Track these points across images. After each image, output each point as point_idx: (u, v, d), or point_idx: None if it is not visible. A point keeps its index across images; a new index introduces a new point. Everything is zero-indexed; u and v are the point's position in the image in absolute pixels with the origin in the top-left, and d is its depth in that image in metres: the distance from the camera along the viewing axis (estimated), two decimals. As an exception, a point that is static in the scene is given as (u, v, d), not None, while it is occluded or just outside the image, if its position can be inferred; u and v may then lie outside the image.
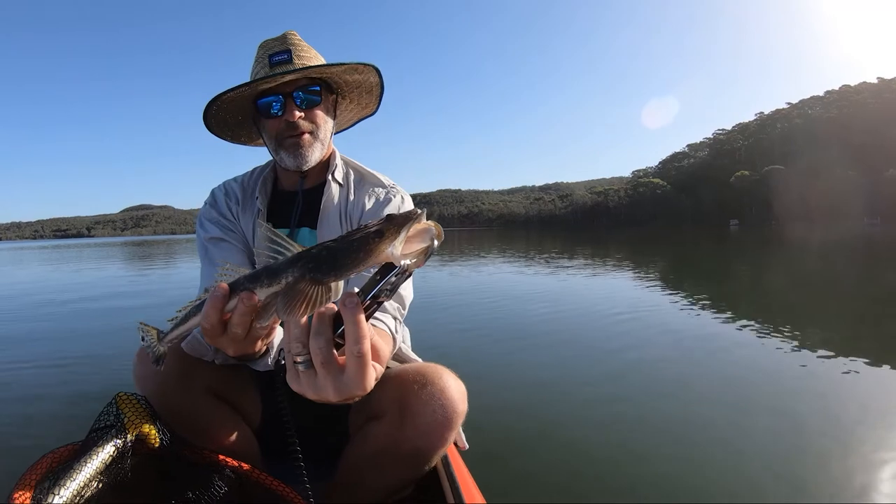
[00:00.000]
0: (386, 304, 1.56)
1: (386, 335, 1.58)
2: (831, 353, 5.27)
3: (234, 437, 1.71)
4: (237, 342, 1.02)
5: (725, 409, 4.12)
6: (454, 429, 1.59)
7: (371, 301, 0.77)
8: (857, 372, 4.79)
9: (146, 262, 28.28)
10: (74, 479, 1.13)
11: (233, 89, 1.70)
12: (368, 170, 1.98)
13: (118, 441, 1.24)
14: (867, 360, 5.07)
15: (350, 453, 1.70)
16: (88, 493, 1.20)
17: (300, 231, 1.88)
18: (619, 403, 4.28)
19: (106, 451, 1.21)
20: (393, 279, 0.76)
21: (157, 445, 1.31)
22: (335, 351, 0.80)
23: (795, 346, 5.86)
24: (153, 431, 1.31)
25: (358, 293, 0.76)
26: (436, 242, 0.76)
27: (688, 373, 5.10)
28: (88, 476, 1.16)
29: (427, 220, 0.76)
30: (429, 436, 1.56)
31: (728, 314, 8.00)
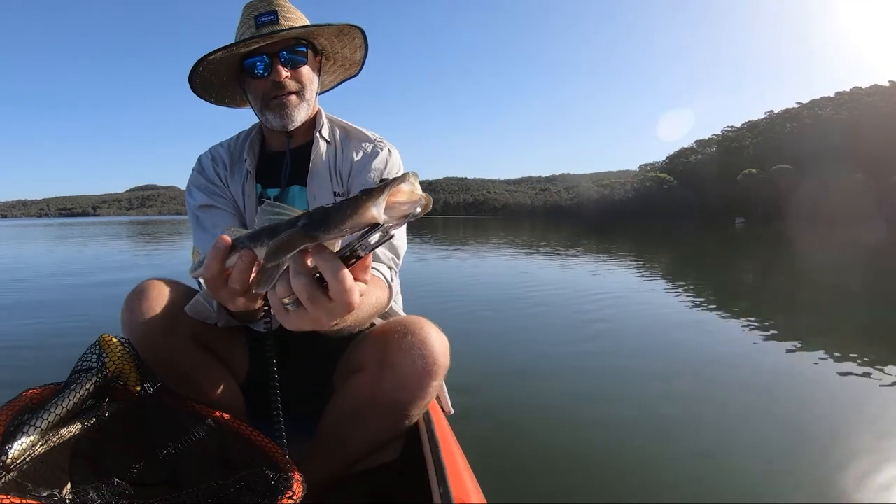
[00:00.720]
0: (381, 254, 1.69)
1: (381, 282, 1.60)
2: (850, 359, 5.30)
3: (219, 389, 1.75)
4: (236, 296, 1.03)
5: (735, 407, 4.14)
6: (434, 379, 1.60)
7: (350, 253, 0.81)
8: (861, 374, 4.84)
9: (151, 240, 28.63)
10: (49, 416, 1.15)
11: (219, 50, 1.69)
12: (354, 125, 2.00)
13: (97, 380, 1.23)
14: (870, 362, 5.14)
15: (331, 408, 1.72)
16: (65, 434, 1.20)
17: (290, 189, 1.90)
18: (613, 392, 4.33)
19: (84, 391, 1.22)
20: (374, 237, 0.79)
21: (137, 390, 1.31)
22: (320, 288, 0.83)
23: (801, 348, 5.88)
24: (134, 375, 1.31)
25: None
26: (418, 209, 0.78)
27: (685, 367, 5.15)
28: (64, 414, 1.17)
29: (415, 184, 0.77)
30: (408, 387, 1.58)
31: (727, 311, 8.20)
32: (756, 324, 6.91)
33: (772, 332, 6.59)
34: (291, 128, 1.82)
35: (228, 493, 1.23)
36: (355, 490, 1.90)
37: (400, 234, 1.82)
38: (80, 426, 1.24)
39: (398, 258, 1.79)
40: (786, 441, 3.48)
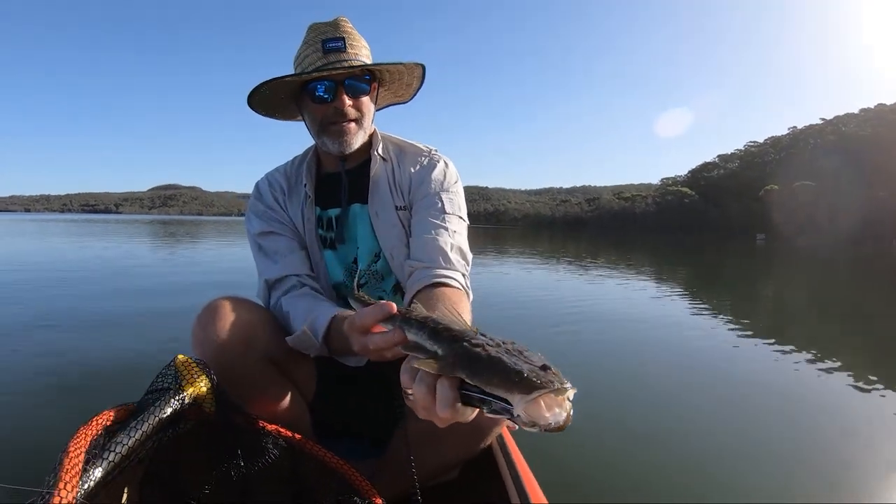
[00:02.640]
0: (455, 261, 1.77)
1: (460, 293, 1.67)
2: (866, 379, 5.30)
3: (289, 408, 1.76)
4: (364, 353, 1.16)
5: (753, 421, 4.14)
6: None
7: (467, 394, 0.81)
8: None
9: (190, 241, 28.79)
10: (128, 439, 1.16)
11: (292, 76, 1.77)
12: (406, 140, 2.07)
13: (174, 403, 1.23)
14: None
15: (405, 428, 1.71)
16: (141, 454, 1.19)
17: (351, 208, 1.96)
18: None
19: (160, 413, 1.21)
20: (494, 408, 0.78)
21: (212, 410, 1.30)
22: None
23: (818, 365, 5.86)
24: (209, 396, 1.30)
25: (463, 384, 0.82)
26: (552, 424, 0.74)
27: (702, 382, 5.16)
28: (142, 436, 1.16)
29: (566, 407, 0.75)
30: None
31: (748, 330, 8.03)
32: (802, 351, 6.89)
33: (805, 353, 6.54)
34: (348, 152, 1.87)
35: None
36: None
37: (465, 241, 1.89)
38: (152, 446, 1.23)
39: (468, 264, 1.84)
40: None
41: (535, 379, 0.73)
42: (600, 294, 11.78)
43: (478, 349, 0.80)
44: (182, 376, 1.29)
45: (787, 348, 6.64)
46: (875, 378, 5.45)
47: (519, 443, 1.89)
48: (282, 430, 1.42)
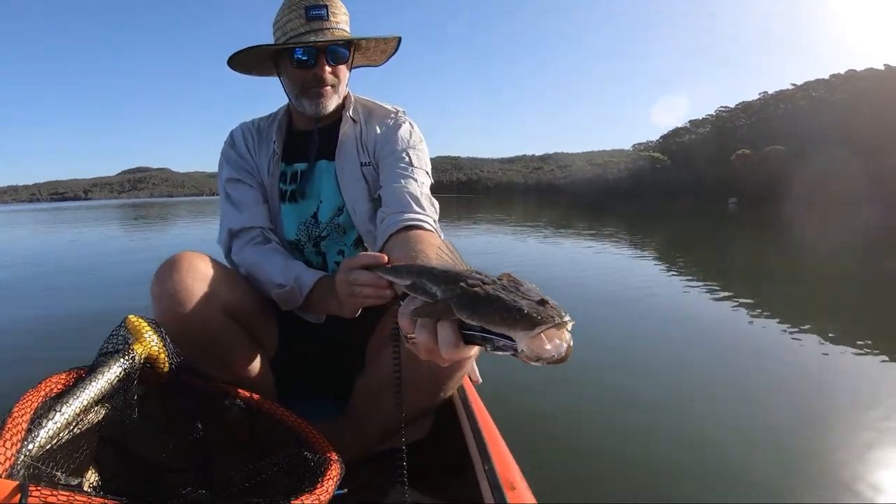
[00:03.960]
0: (427, 206, 1.86)
1: (434, 234, 1.75)
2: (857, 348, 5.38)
3: (249, 366, 1.79)
4: (345, 292, 1.32)
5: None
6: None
7: (469, 334, 0.83)
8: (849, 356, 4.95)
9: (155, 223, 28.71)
10: (76, 403, 1.11)
11: (276, 45, 1.90)
12: (375, 102, 2.21)
13: (124, 363, 1.20)
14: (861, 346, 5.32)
15: (364, 380, 1.77)
16: (92, 420, 1.17)
17: (318, 164, 2.09)
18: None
19: (111, 375, 1.18)
20: (498, 345, 0.79)
21: (165, 371, 1.28)
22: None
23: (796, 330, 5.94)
24: (162, 356, 1.29)
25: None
26: (554, 356, 0.75)
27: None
28: (91, 400, 1.14)
29: (566, 338, 0.76)
30: None
31: (716, 292, 8.16)
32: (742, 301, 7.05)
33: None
34: (323, 114, 2.01)
35: (264, 477, 1.22)
36: (386, 467, 1.90)
37: (430, 194, 1.97)
38: (106, 411, 1.22)
39: (437, 213, 1.92)
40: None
41: (535, 315, 0.74)
42: (565, 258, 12.00)
43: (476, 288, 0.82)
44: (133, 336, 1.26)
45: (760, 311, 6.78)
46: (835, 336, 5.57)
47: (484, 398, 1.90)
48: (240, 390, 1.41)
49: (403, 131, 2.08)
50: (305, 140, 2.09)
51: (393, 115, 2.14)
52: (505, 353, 0.79)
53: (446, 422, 1.80)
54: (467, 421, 1.62)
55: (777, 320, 6.48)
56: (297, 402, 1.67)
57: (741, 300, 7.52)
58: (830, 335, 5.71)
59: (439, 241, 1.66)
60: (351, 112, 2.10)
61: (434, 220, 1.84)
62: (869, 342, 5.43)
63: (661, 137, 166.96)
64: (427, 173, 2.02)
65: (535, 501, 1.31)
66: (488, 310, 0.78)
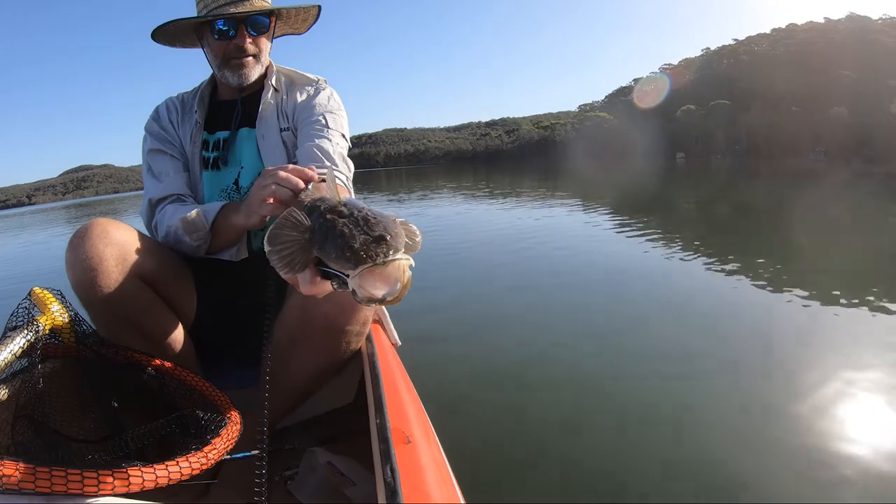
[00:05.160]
0: (337, 162, 1.92)
1: (344, 190, 1.82)
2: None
3: (165, 332, 1.76)
4: (261, 191, 1.32)
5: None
6: None
7: (323, 269, 0.87)
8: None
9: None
10: None
11: (196, 18, 1.91)
12: (297, 71, 2.23)
13: (28, 335, 1.18)
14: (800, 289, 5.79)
15: (270, 341, 1.72)
16: (1, 397, 1.15)
17: (239, 131, 2.10)
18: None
19: (14, 347, 1.16)
20: (340, 284, 0.85)
21: (73, 342, 1.26)
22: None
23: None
24: (68, 328, 1.26)
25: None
26: (385, 296, 0.77)
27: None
28: None
29: (398, 272, 0.77)
30: (338, 300, 1.58)
31: (664, 243, 8.30)
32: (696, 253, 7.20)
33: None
34: (246, 84, 2.05)
35: (161, 436, 1.21)
36: (308, 430, 1.91)
37: (346, 155, 2.03)
38: (16, 386, 1.19)
39: (350, 173, 1.99)
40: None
41: (362, 253, 0.75)
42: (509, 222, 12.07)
43: (329, 222, 0.82)
44: (38, 310, 1.25)
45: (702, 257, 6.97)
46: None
47: (408, 366, 1.89)
48: (150, 358, 1.40)
49: (322, 97, 2.11)
50: (229, 109, 2.11)
51: (314, 83, 2.18)
52: (347, 290, 0.80)
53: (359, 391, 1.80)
54: (370, 375, 1.60)
55: (702, 261, 6.76)
56: (223, 371, 1.66)
57: (680, 250, 7.73)
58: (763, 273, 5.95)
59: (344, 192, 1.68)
60: (273, 81, 2.12)
61: (347, 178, 1.91)
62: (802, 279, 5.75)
63: (607, 97, 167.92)
64: (343, 136, 2.05)
65: (437, 455, 1.31)
66: (330, 245, 0.79)
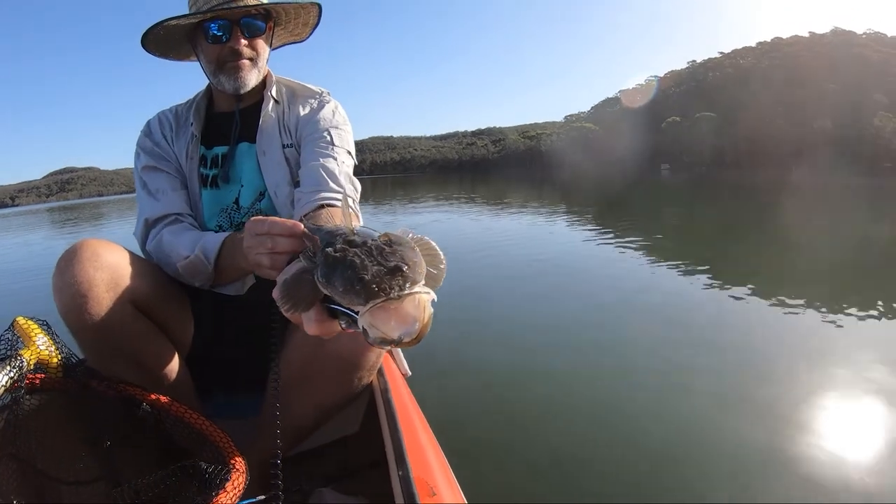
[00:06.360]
0: (342, 182, 1.79)
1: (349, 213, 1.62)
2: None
3: (160, 362, 1.67)
4: (253, 243, 1.10)
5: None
6: None
7: (330, 307, 0.76)
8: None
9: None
10: None
11: (186, 16, 1.78)
12: (299, 83, 2.11)
13: (10, 371, 1.09)
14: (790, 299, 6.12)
15: (274, 374, 1.64)
16: None
17: (239, 146, 1.99)
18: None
19: None
20: (350, 322, 0.73)
21: (59, 376, 1.18)
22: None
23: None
24: (55, 359, 1.17)
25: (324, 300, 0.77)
26: (400, 337, 0.66)
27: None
28: None
29: (420, 310, 0.67)
30: (354, 338, 1.53)
31: (648, 253, 8.42)
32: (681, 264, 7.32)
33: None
34: (243, 91, 1.92)
35: (167, 486, 1.14)
36: (314, 465, 1.84)
37: (351, 173, 1.90)
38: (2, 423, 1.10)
39: (357, 192, 1.86)
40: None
41: (374, 286, 0.65)
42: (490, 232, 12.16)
43: (339, 253, 0.71)
44: (22, 341, 1.15)
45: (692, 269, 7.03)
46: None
47: (416, 391, 1.84)
48: (144, 392, 1.30)
49: (327, 111, 2.01)
50: (226, 122, 2.01)
51: (317, 96, 2.07)
52: (357, 330, 0.69)
53: (376, 415, 1.73)
54: (385, 417, 1.54)
55: (686, 271, 6.93)
56: (218, 400, 1.59)
57: (668, 260, 7.85)
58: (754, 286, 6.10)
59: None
60: (273, 92, 2.01)
61: (354, 200, 1.78)
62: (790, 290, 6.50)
63: (593, 108, 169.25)
64: (349, 154, 1.95)
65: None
66: (338, 278, 0.69)
